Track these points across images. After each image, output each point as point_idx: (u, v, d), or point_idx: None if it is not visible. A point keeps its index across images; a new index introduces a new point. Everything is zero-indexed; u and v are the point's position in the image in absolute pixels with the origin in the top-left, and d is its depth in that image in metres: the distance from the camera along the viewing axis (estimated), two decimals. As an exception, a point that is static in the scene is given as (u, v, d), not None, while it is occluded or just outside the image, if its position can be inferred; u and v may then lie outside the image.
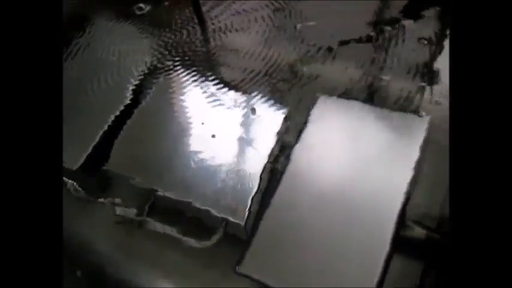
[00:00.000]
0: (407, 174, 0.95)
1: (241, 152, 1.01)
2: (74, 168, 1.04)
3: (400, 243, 0.90)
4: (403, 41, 1.39)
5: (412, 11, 1.45)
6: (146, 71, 1.19)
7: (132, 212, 1.03)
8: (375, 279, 0.84)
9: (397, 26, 1.42)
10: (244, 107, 1.10)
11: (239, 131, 1.05)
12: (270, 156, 1.01)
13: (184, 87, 1.15)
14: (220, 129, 1.06)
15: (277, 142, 1.03)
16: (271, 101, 1.10)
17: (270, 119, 1.06)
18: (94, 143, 1.08)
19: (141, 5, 1.52)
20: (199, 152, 1.03)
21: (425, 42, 1.37)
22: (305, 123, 1.06)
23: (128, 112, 1.12)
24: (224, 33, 1.50)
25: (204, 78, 1.17)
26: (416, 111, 1.20)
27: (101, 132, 1.09)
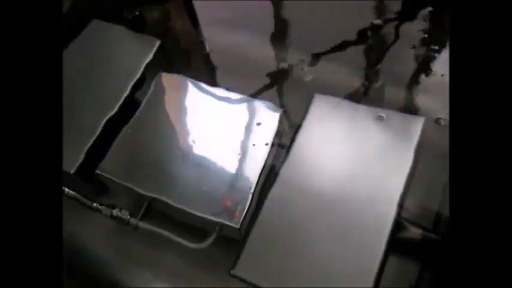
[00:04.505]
0: (403, 174, 0.95)
1: (237, 154, 1.01)
2: (72, 172, 1.04)
3: (397, 243, 0.91)
4: (399, 41, 1.40)
5: (408, 12, 1.45)
6: (142, 74, 1.19)
7: (128, 215, 1.02)
8: (371, 280, 0.84)
9: (393, 26, 1.43)
10: (241, 108, 1.09)
11: (236, 133, 1.05)
12: (266, 157, 1.00)
13: (181, 90, 1.15)
14: (217, 131, 1.06)
15: (273, 143, 1.03)
16: (268, 102, 1.10)
17: (266, 120, 1.06)
18: (91, 146, 1.07)
19: (138, 7, 1.52)
20: (196, 155, 1.03)
21: (422, 42, 1.38)
22: (301, 123, 1.06)
23: (124, 115, 1.11)
24: (221, 34, 1.50)
25: (200, 80, 1.17)
26: (411, 111, 1.21)
27: (97, 136, 1.08)
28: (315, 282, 0.86)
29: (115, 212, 1.03)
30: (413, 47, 1.36)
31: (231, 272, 0.89)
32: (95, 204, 1.06)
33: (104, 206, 1.05)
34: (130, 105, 1.13)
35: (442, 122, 1.15)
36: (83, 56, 1.24)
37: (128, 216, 1.02)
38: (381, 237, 0.88)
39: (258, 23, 1.53)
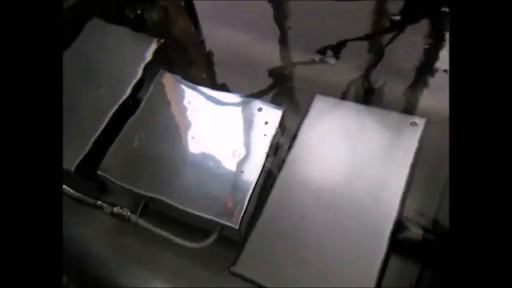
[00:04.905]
0: (403, 175, 0.95)
1: (237, 155, 1.01)
2: (72, 170, 1.04)
3: (397, 243, 0.91)
4: (400, 41, 1.39)
5: (409, 12, 1.45)
6: (142, 73, 1.19)
7: (127, 214, 1.02)
8: (373, 280, 0.84)
9: (394, 27, 1.42)
10: (241, 108, 1.09)
11: (235, 133, 1.05)
12: (266, 157, 1.00)
13: (181, 90, 1.15)
14: (216, 131, 1.06)
15: (273, 143, 1.03)
16: (268, 102, 1.10)
17: (266, 119, 1.06)
18: (91, 145, 1.07)
19: (137, 7, 1.52)
20: (195, 155, 1.03)
21: (422, 42, 1.37)
22: (301, 124, 1.06)
23: (124, 114, 1.11)
24: (220, 34, 1.50)
25: (199, 80, 1.17)
26: (412, 112, 1.21)
27: (97, 134, 1.08)
28: (315, 281, 0.85)
29: (116, 209, 1.03)
30: (414, 47, 1.36)
31: (231, 269, 0.88)
32: (99, 202, 1.06)
33: (105, 204, 1.05)
34: (131, 104, 1.13)
35: (443, 122, 1.15)
36: (83, 56, 1.24)
37: (129, 213, 1.02)
38: (382, 237, 0.88)
39: (259, 22, 1.53)
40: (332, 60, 1.37)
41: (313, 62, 1.38)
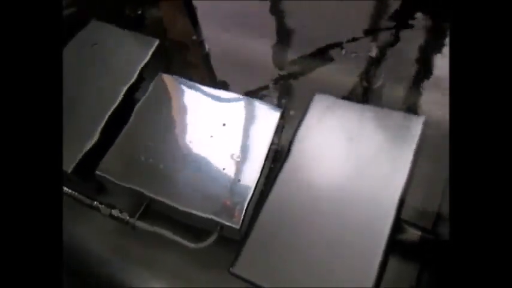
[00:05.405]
0: (403, 174, 0.95)
1: (237, 155, 1.01)
2: (69, 171, 1.04)
3: (396, 244, 0.90)
4: (400, 42, 1.39)
5: (409, 11, 1.45)
6: (141, 74, 1.19)
7: (127, 215, 1.02)
8: (371, 280, 0.84)
9: (394, 27, 1.43)
10: (240, 108, 1.09)
11: (235, 133, 1.05)
12: (266, 157, 1.00)
13: (180, 90, 1.15)
14: (216, 131, 1.06)
15: (273, 143, 1.03)
16: (268, 102, 1.10)
17: (266, 120, 1.06)
18: (89, 146, 1.07)
19: (138, 6, 1.52)
20: (195, 155, 1.02)
21: (422, 42, 1.38)
22: (301, 123, 1.06)
23: (122, 115, 1.11)
24: (220, 34, 1.50)
25: (199, 79, 1.17)
26: (412, 111, 1.21)
27: (95, 135, 1.08)
28: (314, 282, 0.85)
29: (114, 212, 1.03)
30: (414, 47, 1.36)
31: (230, 270, 0.88)
32: (95, 203, 1.06)
33: (103, 205, 1.05)
34: (129, 105, 1.13)
35: (443, 121, 1.15)
36: (81, 56, 1.24)
37: (127, 217, 1.02)
38: (380, 237, 0.88)
39: (258, 23, 1.53)
40: (332, 60, 1.37)
41: (313, 61, 1.38)
